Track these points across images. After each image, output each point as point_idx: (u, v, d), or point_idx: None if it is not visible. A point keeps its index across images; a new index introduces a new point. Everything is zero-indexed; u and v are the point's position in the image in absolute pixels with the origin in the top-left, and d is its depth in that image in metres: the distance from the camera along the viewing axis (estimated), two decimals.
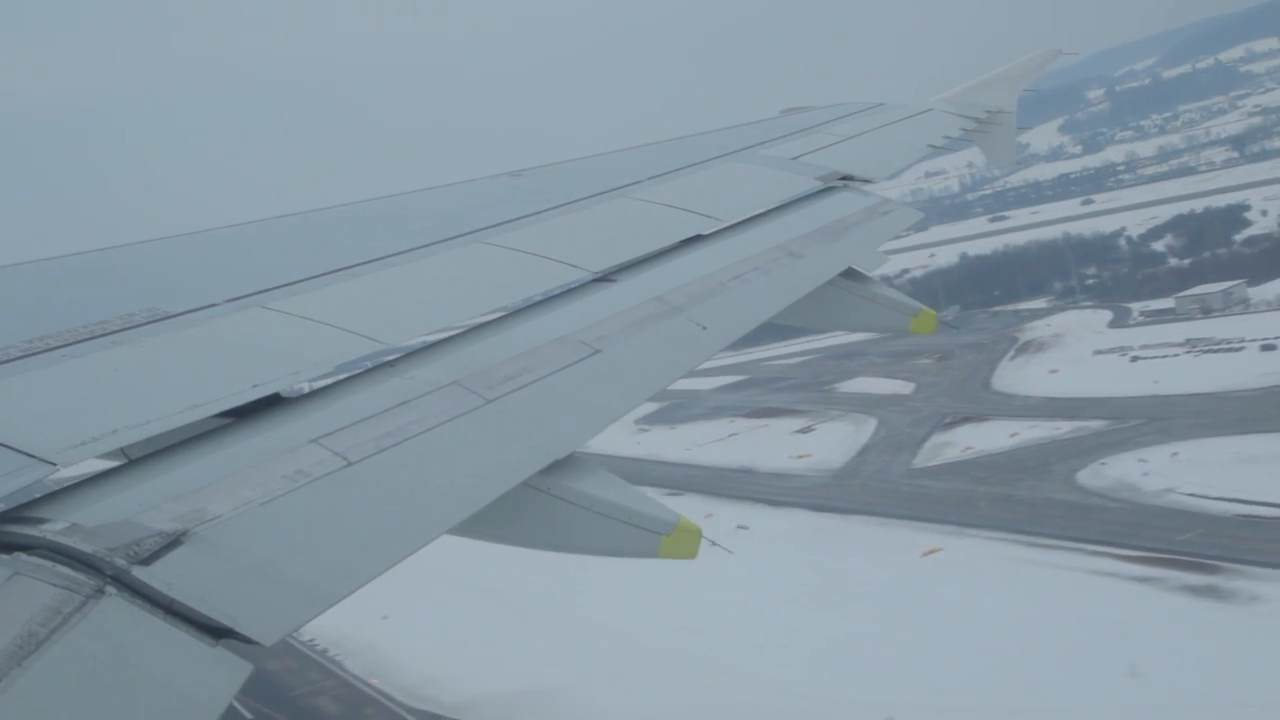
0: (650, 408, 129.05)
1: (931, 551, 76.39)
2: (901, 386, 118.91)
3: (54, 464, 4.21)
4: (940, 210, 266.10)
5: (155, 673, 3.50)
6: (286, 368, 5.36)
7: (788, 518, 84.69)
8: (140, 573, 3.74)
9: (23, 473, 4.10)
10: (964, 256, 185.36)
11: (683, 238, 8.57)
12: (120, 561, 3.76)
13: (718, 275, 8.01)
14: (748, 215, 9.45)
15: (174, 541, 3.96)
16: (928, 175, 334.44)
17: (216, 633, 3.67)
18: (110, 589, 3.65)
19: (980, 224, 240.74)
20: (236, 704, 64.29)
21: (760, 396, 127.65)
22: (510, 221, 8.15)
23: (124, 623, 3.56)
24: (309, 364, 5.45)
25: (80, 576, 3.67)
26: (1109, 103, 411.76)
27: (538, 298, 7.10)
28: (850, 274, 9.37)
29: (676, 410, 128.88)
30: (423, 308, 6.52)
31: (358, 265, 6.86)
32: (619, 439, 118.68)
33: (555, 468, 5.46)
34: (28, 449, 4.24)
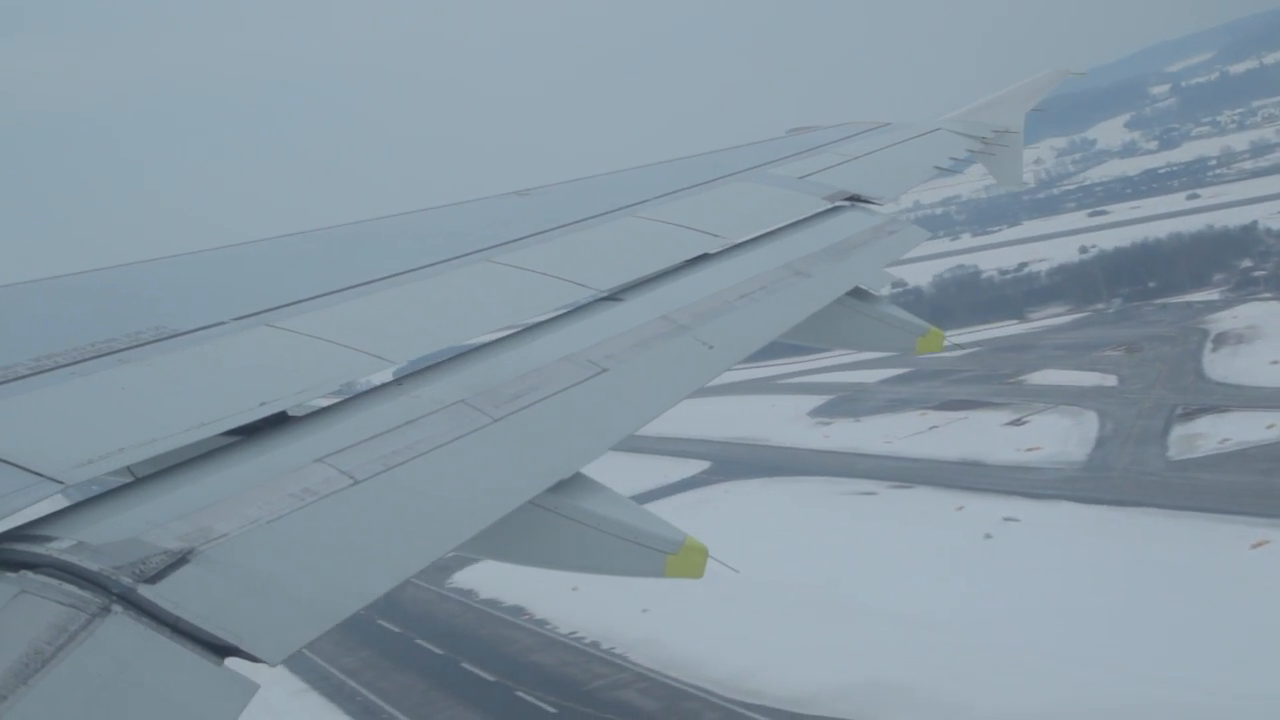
0: (816, 401, 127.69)
1: (1260, 544, 73.21)
2: (1101, 379, 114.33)
3: (61, 482, 4.21)
4: (1021, 207, 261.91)
5: (161, 691, 3.49)
6: (293, 386, 5.36)
7: (1054, 510, 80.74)
8: (146, 591, 3.74)
9: (29, 491, 4.10)
10: (1084, 249, 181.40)
11: (690, 256, 8.58)
12: (126, 580, 3.76)
13: (725, 294, 8.01)
14: (755, 234, 9.46)
15: (180, 560, 3.96)
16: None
17: (222, 651, 3.67)
18: (116, 607, 3.65)
19: (1078, 219, 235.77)
20: (529, 697, 63.45)
21: (939, 389, 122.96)
22: (517, 240, 8.16)
23: (130, 641, 3.56)
24: (316, 383, 5.45)
25: (86, 595, 3.67)
26: (1176, 98, 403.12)
27: (545, 316, 7.10)
28: (857, 293, 9.37)
29: (847, 404, 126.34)
30: (430, 326, 6.53)
31: (365, 284, 6.87)
32: (798, 432, 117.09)
33: (561, 486, 5.46)
34: (35, 467, 4.24)
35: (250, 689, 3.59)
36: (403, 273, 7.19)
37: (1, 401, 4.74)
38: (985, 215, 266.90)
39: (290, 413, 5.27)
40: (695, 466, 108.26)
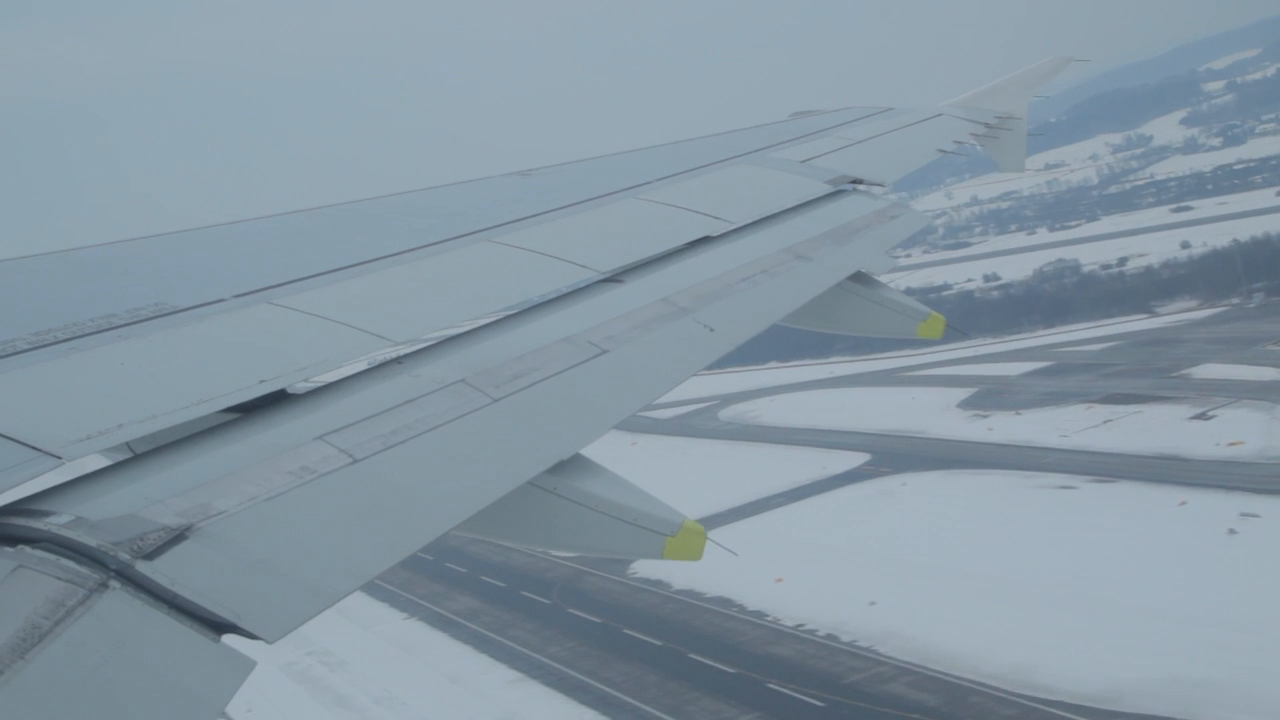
0: (961, 393, 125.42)
1: None
2: (1276, 373, 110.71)
3: (60, 457, 4.21)
4: (1092, 202, 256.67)
5: (158, 667, 3.49)
6: (293, 364, 5.36)
7: None
8: (144, 567, 3.74)
9: (28, 466, 4.10)
10: (1185, 244, 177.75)
11: (691, 239, 8.56)
12: (124, 556, 3.76)
13: (726, 277, 8.00)
14: (756, 218, 9.44)
15: (178, 536, 3.96)
16: (1048, 167, 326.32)
17: (220, 628, 3.67)
18: (114, 583, 3.65)
19: (1161, 214, 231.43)
20: (786, 690, 62.06)
21: (1094, 383, 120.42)
22: (519, 221, 8.15)
23: (127, 617, 3.56)
24: (316, 361, 5.45)
25: (84, 570, 3.67)
26: (1232, 95, 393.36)
27: (546, 297, 7.09)
28: (859, 277, 9.36)
29: (996, 396, 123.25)
30: (431, 306, 6.52)
31: (366, 263, 6.86)
32: (956, 424, 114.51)
33: (561, 467, 5.46)
34: (34, 442, 4.24)
35: (247, 666, 3.60)
36: (404, 252, 7.18)
37: (1, 376, 4.73)
38: (1053, 210, 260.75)
39: (290, 390, 5.27)
40: (853, 458, 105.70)
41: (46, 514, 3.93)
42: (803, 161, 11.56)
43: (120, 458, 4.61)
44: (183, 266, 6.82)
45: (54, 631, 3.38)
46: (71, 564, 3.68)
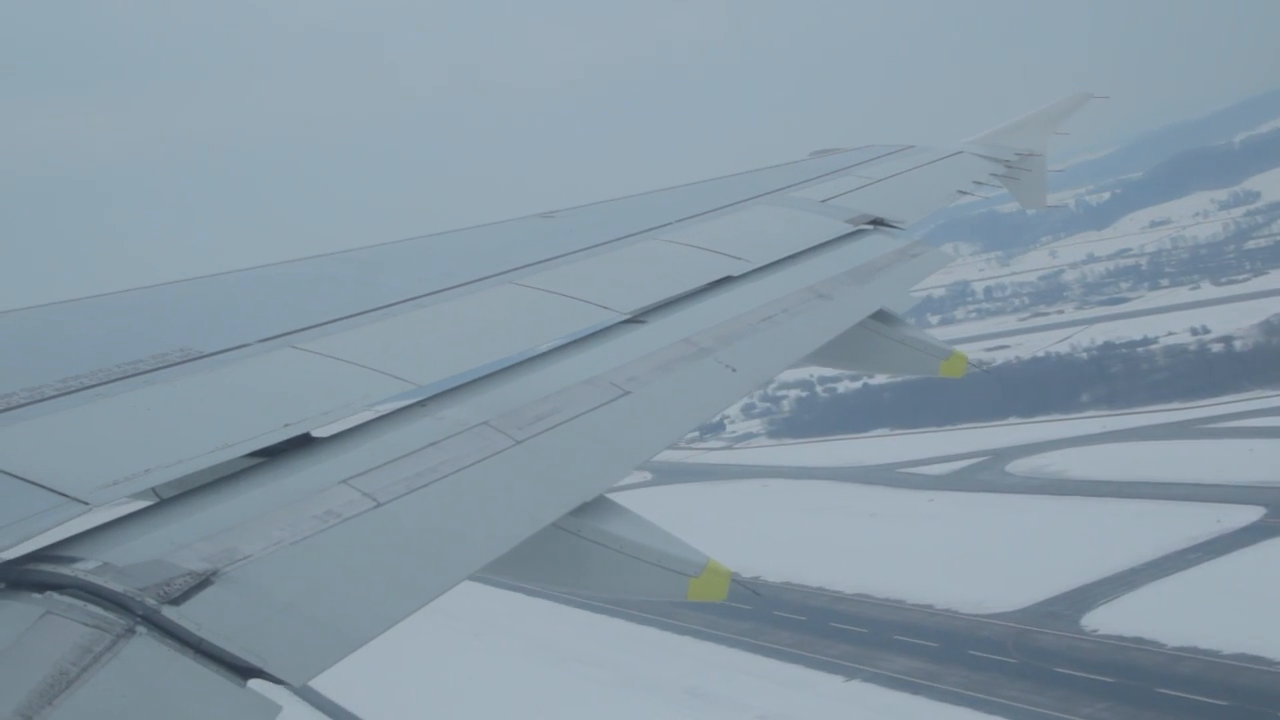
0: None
1: None
2: None
3: (86, 503, 4.23)
4: (1241, 256, 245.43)
5: (184, 712, 3.50)
6: (317, 408, 5.38)
7: None
8: (170, 612, 3.76)
9: (56, 512, 4.12)
10: None
11: (712, 279, 8.58)
12: (151, 601, 3.77)
13: (747, 317, 8.00)
14: (777, 257, 9.45)
15: (204, 581, 3.97)
16: (1153, 224, 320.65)
17: (246, 673, 3.68)
18: (141, 628, 3.66)
19: None
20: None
21: None
22: (541, 262, 8.18)
23: (154, 662, 3.57)
24: (339, 404, 5.47)
25: (111, 616, 3.68)
26: None
27: (568, 339, 7.11)
28: (881, 316, 9.36)
29: None
30: (453, 348, 6.54)
31: (389, 306, 6.89)
32: None
33: (584, 509, 5.46)
34: (61, 488, 4.26)
35: (273, 710, 3.60)
36: (426, 294, 7.21)
37: (28, 422, 4.77)
38: (1197, 265, 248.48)
39: (314, 434, 5.29)
40: (1246, 512, 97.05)
41: (73, 560, 3.95)
42: (823, 201, 11.58)
43: (146, 503, 4.63)
44: (207, 312, 6.87)
45: (81, 677, 3.39)
46: (98, 610, 3.70)
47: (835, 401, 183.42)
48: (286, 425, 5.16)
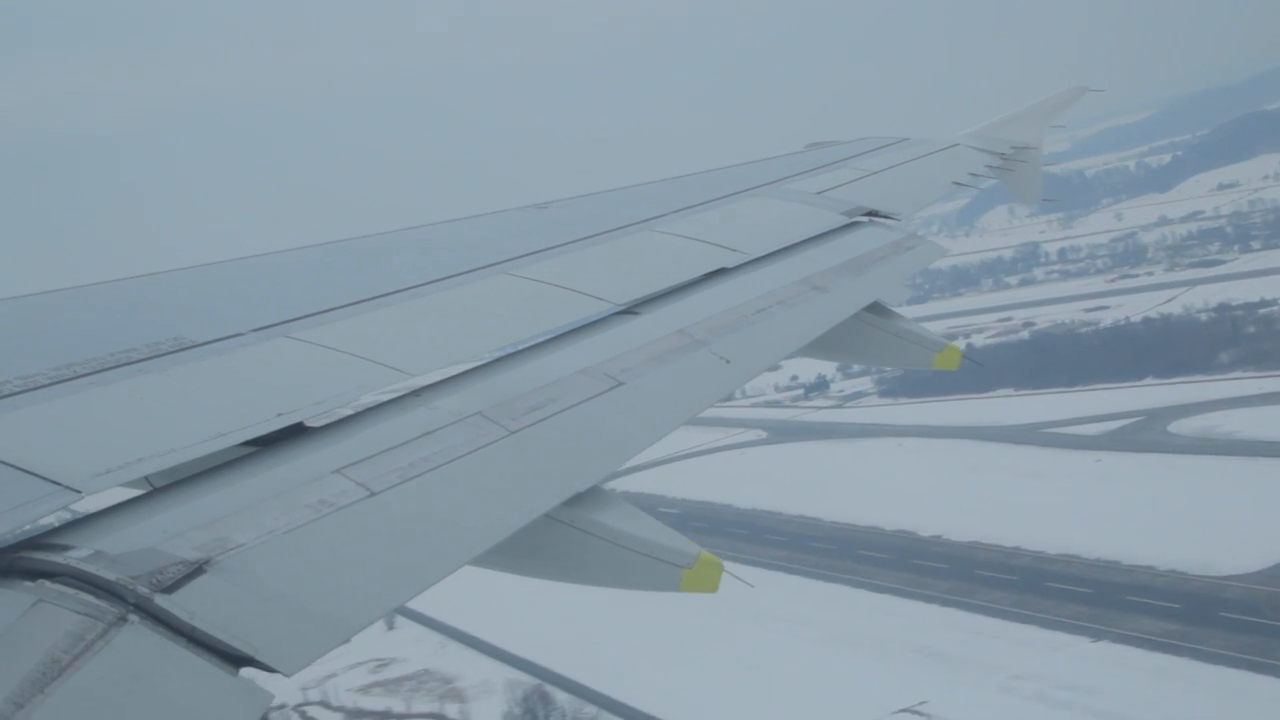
0: None
1: None
2: None
3: (79, 491, 4.23)
4: None
5: (176, 701, 3.50)
6: (310, 398, 5.38)
7: None
8: (163, 601, 3.76)
9: (48, 500, 4.12)
10: None
11: (707, 271, 8.58)
12: (143, 589, 3.77)
13: (742, 309, 8.00)
14: (772, 249, 9.45)
15: (197, 570, 3.97)
16: (1221, 187, 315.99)
17: (238, 661, 3.68)
18: (133, 617, 3.66)
19: None
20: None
21: None
22: (535, 253, 8.17)
23: (146, 651, 3.57)
24: (333, 394, 5.47)
25: (103, 604, 3.68)
26: None
27: (562, 329, 7.11)
28: (875, 308, 9.36)
29: None
30: (447, 339, 6.54)
31: (383, 296, 6.89)
32: None
33: (577, 500, 5.46)
34: (53, 476, 4.26)
35: (265, 699, 3.60)
36: (420, 285, 7.21)
37: (21, 410, 4.76)
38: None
39: (307, 424, 5.29)
40: None
41: (65, 548, 3.95)
42: (818, 193, 11.58)
43: (139, 492, 4.63)
44: (201, 301, 6.86)
45: (73, 665, 3.39)
46: (90, 598, 3.70)
47: None
48: (280, 415, 5.16)
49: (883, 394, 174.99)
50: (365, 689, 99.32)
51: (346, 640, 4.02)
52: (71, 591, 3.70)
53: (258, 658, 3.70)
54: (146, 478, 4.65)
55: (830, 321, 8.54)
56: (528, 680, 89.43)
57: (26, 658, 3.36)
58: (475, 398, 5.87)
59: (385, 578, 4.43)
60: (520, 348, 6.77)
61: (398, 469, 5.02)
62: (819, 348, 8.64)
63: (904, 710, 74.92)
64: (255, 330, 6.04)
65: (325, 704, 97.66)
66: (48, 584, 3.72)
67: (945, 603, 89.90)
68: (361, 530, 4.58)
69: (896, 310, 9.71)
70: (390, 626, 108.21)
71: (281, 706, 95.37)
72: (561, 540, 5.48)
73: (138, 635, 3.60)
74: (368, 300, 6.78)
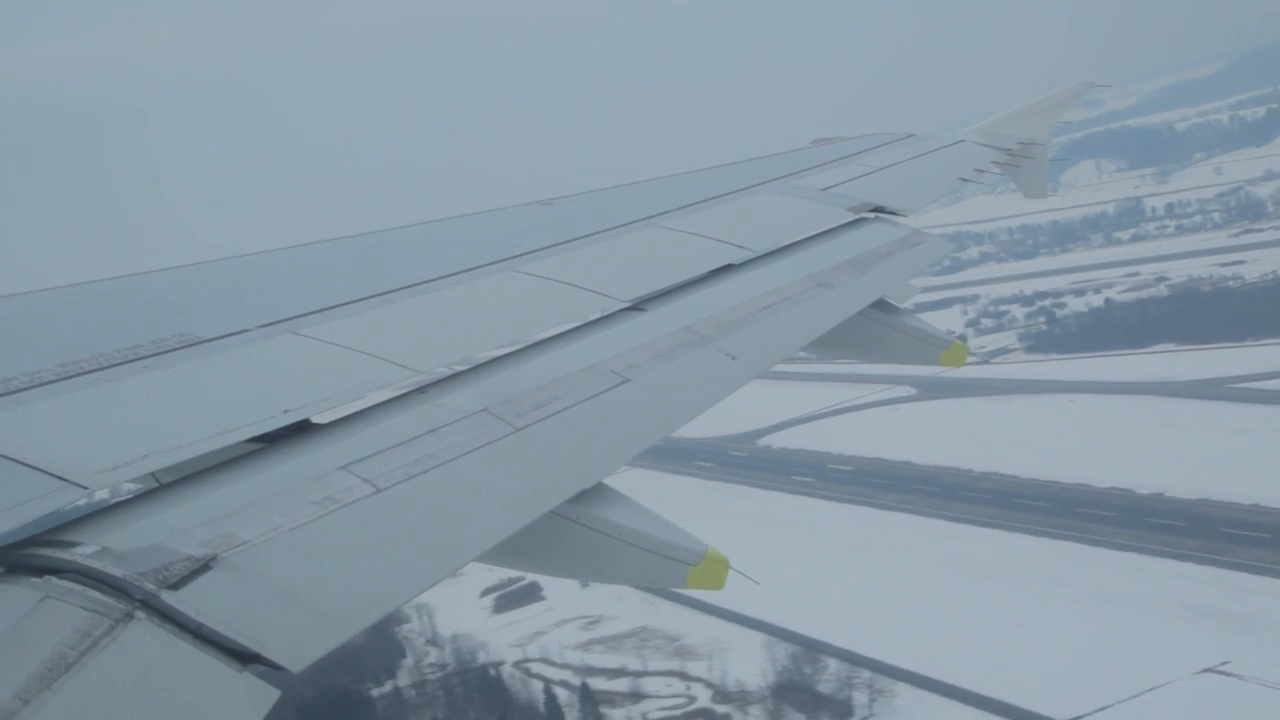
0: None
1: None
2: None
3: (86, 488, 4.23)
4: None
5: (183, 697, 3.51)
6: (317, 394, 5.38)
7: None
8: (169, 597, 3.76)
9: (54, 496, 4.13)
10: None
11: (713, 267, 8.57)
12: (150, 586, 3.78)
13: (748, 305, 8.00)
14: (778, 245, 9.44)
15: (203, 566, 3.98)
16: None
17: (244, 658, 3.68)
18: (139, 613, 3.67)
19: None
20: None
21: None
22: (541, 250, 8.17)
23: (152, 647, 3.58)
24: (339, 390, 5.47)
25: (110, 600, 3.68)
26: None
27: (568, 326, 7.11)
28: (881, 305, 9.36)
29: None
30: (453, 335, 6.55)
31: (389, 292, 6.89)
32: None
33: (583, 496, 5.46)
34: (60, 472, 4.27)
35: (271, 696, 3.61)
36: (426, 281, 7.21)
37: (28, 407, 4.77)
38: None
39: (313, 420, 5.29)
40: None
41: (72, 544, 3.95)
42: (824, 189, 11.57)
43: (145, 488, 4.64)
44: (207, 297, 6.87)
45: (80, 662, 3.40)
46: (97, 594, 3.70)
47: (1084, 318, 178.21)
48: (286, 411, 5.17)
49: (1029, 350, 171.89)
50: (584, 646, 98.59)
51: (352, 636, 4.03)
52: (78, 588, 3.71)
53: (264, 654, 3.70)
54: (153, 474, 4.65)
55: (837, 318, 8.54)
56: (758, 638, 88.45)
57: (34, 654, 3.37)
58: (481, 394, 5.87)
59: (391, 574, 4.43)
60: (526, 344, 6.77)
61: (404, 466, 5.02)
62: (825, 344, 8.64)
63: (1208, 670, 73.80)
64: (261, 327, 6.04)
65: (547, 660, 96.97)
66: (55, 580, 3.73)
67: (1201, 560, 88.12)
68: (368, 527, 4.58)
69: (903, 306, 9.70)
70: (584, 584, 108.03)
71: (500, 663, 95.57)
72: (568, 537, 5.48)
73: (144, 632, 3.61)
74: (373, 297, 6.78)
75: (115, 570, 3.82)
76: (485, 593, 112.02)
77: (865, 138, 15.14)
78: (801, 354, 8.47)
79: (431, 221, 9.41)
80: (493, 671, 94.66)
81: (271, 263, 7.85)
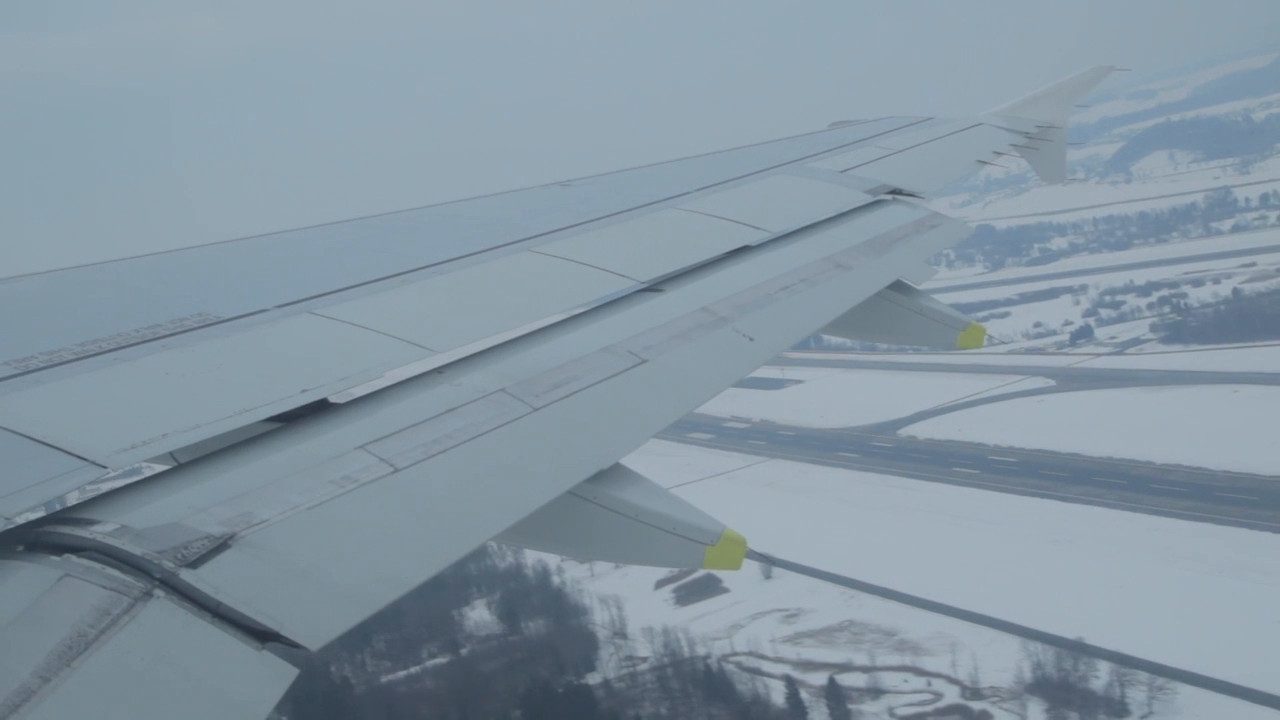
0: None
1: None
2: None
3: (105, 467, 4.24)
4: None
5: (201, 675, 3.52)
6: (335, 374, 5.38)
7: None
8: (188, 576, 3.77)
9: (74, 475, 4.14)
10: None
11: (730, 249, 8.56)
12: (168, 564, 3.79)
13: (765, 286, 7.98)
14: (796, 227, 9.42)
15: (221, 545, 3.99)
16: None
17: (263, 636, 3.69)
18: (158, 591, 3.68)
19: None
20: None
21: None
22: (559, 230, 8.16)
23: (171, 625, 3.59)
24: (357, 370, 5.47)
25: (129, 579, 3.70)
26: None
27: (585, 307, 7.10)
28: (899, 286, 9.33)
29: None
30: (471, 315, 6.54)
31: (407, 272, 6.89)
32: None
33: (600, 477, 5.46)
34: (79, 452, 4.28)
35: (289, 674, 3.61)
36: (444, 262, 7.21)
37: (47, 386, 4.78)
38: None
39: (331, 400, 5.30)
40: None
41: (92, 523, 3.96)
42: (842, 171, 11.54)
43: (164, 467, 4.65)
44: (226, 277, 6.87)
45: (99, 640, 3.41)
46: (116, 573, 3.71)
47: (1214, 308, 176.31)
48: (304, 391, 5.17)
49: (1164, 340, 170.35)
50: (793, 640, 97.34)
51: (369, 615, 4.03)
52: (97, 566, 3.72)
53: (282, 633, 3.71)
54: (171, 453, 4.66)
55: (854, 300, 8.52)
56: (988, 633, 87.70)
57: (53, 632, 3.38)
58: (498, 374, 5.87)
59: (409, 553, 4.43)
60: (543, 325, 6.76)
61: (421, 445, 5.02)
62: (842, 326, 8.61)
63: None
64: (280, 306, 6.05)
65: (758, 654, 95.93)
66: (74, 559, 3.74)
67: None
68: (385, 506, 4.58)
69: (919, 288, 9.67)
70: (767, 576, 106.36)
71: (706, 657, 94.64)
72: (585, 517, 5.48)
73: (163, 610, 3.62)
74: (391, 277, 6.78)
75: (134, 549, 3.83)
76: (660, 584, 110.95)
77: (883, 120, 15.09)
78: (846, 340, 8.42)
79: (449, 202, 9.40)
80: (712, 665, 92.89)
81: (289, 243, 7.85)
